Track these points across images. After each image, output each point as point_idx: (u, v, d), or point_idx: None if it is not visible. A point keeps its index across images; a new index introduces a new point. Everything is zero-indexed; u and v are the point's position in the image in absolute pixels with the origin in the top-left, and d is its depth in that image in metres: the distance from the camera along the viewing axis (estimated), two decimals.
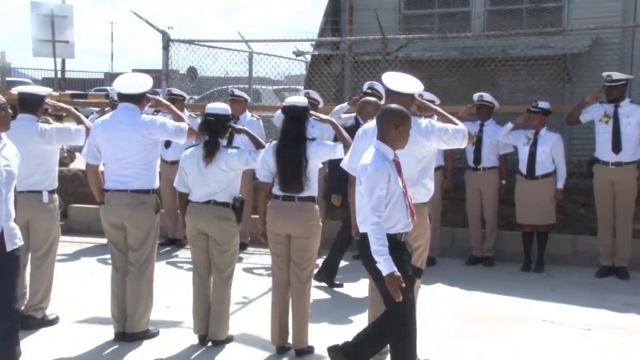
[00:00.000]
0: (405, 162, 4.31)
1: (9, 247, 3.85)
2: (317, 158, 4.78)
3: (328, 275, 6.60)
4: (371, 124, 4.54)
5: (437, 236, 7.33)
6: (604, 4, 8.49)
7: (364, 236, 3.93)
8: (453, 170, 7.73)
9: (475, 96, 7.54)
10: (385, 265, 3.70)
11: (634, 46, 8.45)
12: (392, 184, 3.86)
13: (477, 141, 7.43)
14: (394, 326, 3.95)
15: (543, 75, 8.45)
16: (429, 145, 4.34)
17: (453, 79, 8.60)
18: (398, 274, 3.67)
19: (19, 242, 3.92)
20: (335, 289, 6.53)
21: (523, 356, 4.84)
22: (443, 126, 4.34)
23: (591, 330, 5.39)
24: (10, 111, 3.97)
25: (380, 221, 3.78)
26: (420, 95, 4.89)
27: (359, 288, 6.40)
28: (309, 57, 10.53)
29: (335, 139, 4.94)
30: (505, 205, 7.67)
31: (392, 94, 4.44)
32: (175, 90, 8.47)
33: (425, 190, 4.41)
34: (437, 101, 6.89)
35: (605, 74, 7.01)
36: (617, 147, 6.85)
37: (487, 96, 7.53)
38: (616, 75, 6.93)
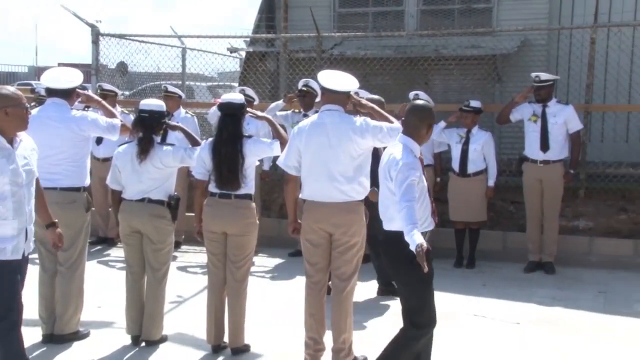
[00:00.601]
0: (341, 160, 4.37)
1: (28, 251, 3.88)
2: (253, 155, 4.77)
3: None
4: (306, 122, 4.57)
5: None
6: (531, 6, 8.79)
7: (391, 234, 3.91)
8: None
9: (411, 94, 7.64)
10: (417, 237, 3.57)
11: (559, 47, 8.78)
12: (421, 180, 3.85)
13: None
14: (416, 338, 3.94)
15: (474, 75, 8.66)
16: (364, 144, 4.38)
17: (387, 78, 8.72)
18: (426, 245, 3.56)
19: (32, 245, 3.95)
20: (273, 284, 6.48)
21: (456, 351, 4.96)
22: (378, 124, 4.39)
23: (520, 324, 5.57)
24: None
25: (413, 203, 3.69)
26: (356, 93, 4.94)
27: (295, 285, 6.42)
28: (243, 54, 10.48)
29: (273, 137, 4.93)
30: (438, 203, 7.80)
31: (328, 92, 4.47)
32: (107, 86, 8.29)
33: (361, 188, 4.45)
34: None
35: (533, 74, 7.24)
36: (545, 145, 7.08)
37: (422, 95, 7.62)
38: (544, 75, 7.17)
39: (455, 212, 7.40)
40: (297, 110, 7.68)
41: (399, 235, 3.75)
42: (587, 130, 7.72)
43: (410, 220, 3.64)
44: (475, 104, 7.42)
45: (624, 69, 8.43)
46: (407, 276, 3.87)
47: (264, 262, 7.42)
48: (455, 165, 7.40)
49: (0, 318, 3.71)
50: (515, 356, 4.90)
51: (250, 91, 7.85)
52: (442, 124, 7.44)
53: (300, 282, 6.04)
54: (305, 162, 4.47)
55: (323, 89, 4.49)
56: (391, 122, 4.43)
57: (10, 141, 3.80)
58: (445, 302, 6.13)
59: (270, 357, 4.83)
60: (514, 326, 5.52)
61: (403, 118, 4.01)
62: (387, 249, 3.98)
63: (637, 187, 7.72)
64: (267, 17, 10.07)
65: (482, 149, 7.26)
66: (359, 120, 4.39)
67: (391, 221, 3.91)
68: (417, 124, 3.95)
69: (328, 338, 4.58)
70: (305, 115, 7.42)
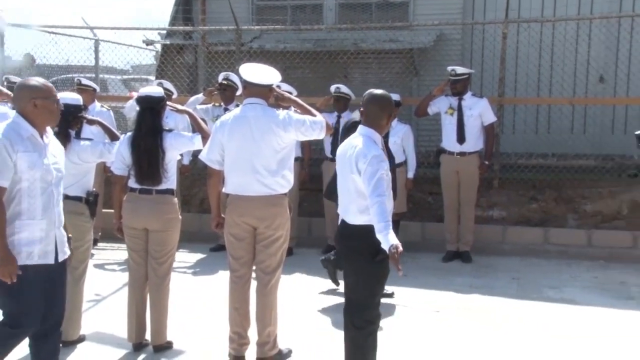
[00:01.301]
0: (264, 154, 4.37)
1: (61, 257, 3.69)
2: (174, 150, 4.71)
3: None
4: (229, 115, 4.55)
5: (295, 227, 7.43)
6: (446, 1, 9.01)
7: (354, 228, 3.83)
8: (310, 161, 7.89)
9: (333, 88, 7.71)
10: (391, 237, 3.51)
11: (473, 42, 9.06)
12: (387, 173, 3.78)
13: (334, 132, 7.62)
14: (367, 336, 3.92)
15: (392, 69, 8.82)
16: (287, 137, 4.39)
17: (307, 71, 8.77)
18: (399, 245, 3.49)
19: (68, 251, 3.76)
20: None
21: (380, 340, 5.05)
22: (301, 117, 4.42)
23: (440, 312, 5.73)
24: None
25: (384, 198, 3.64)
26: (278, 87, 4.95)
27: (218, 279, 6.39)
28: (159, 46, 10.30)
29: (194, 130, 4.89)
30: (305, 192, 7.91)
31: (249, 86, 4.45)
32: (15, 79, 7.98)
33: (284, 181, 4.47)
34: (295, 92, 6.99)
35: (449, 68, 7.44)
36: (461, 137, 7.29)
37: (344, 88, 7.71)
38: (460, 69, 7.38)
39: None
40: (217, 104, 7.62)
41: (363, 229, 3.74)
42: (500, 123, 8.02)
43: (383, 217, 3.57)
44: (394, 97, 7.49)
45: (533, 63, 8.79)
46: (365, 272, 3.83)
47: (185, 257, 7.34)
48: None
49: (15, 325, 3.58)
50: (436, 343, 5.05)
51: (168, 84, 7.73)
52: (357, 113, 7.51)
53: (223, 276, 6.03)
54: (228, 156, 4.45)
55: (245, 82, 4.47)
56: (314, 115, 4.47)
57: (41, 136, 3.64)
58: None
59: (193, 354, 4.80)
60: (435, 314, 5.68)
61: (361, 109, 3.92)
62: (349, 242, 3.91)
63: (547, 177, 8.07)
64: (184, 9, 9.93)
65: (401, 142, 7.39)
66: (282, 113, 4.40)
67: (355, 214, 3.84)
68: (377, 114, 3.86)
69: (252, 332, 4.59)
70: (226, 109, 7.38)
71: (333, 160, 7.66)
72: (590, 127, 8.68)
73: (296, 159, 7.54)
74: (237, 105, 7.03)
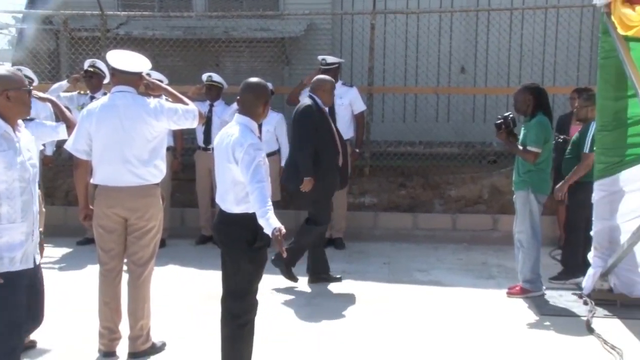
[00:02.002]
0: (135, 143, 4.28)
1: (37, 260, 3.44)
2: (37, 140, 4.48)
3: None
4: (96, 104, 4.42)
5: (167, 217, 7.32)
6: None
7: (232, 216, 3.81)
8: (182, 150, 7.79)
9: (205, 76, 7.63)
10: (273, 221, 3.54)
11: (343, 32, 9.24)
12: (264, 161, 3.76)
13: (207, 121, 7.57)
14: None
15: (264, 57, 8.85)
16: (159, 126, 4.32)
17: (178, 59, 8.63)
18: (282, 228, 3.52)
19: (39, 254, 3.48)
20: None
21: (259, 326, 5.09)
22: (173, 106, 4.36)
23: (316, 298, 5.85)
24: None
25: (264, 183, 3.64)
26: (149, 75, 4.85)
27: (86, 274, 6.19)
28: (14, 30, 9.76)
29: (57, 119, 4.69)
30: None
31: (118, 73, 4.35)
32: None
33: (157, 171, 4.40)
34: (165, 80, 6.87)
35: (320, 57, 7.56)
36: None
37: (216, 76, 7.66)
38: (330, 58, 7.52)
39: None
40: (83, 92, 7.34)
41: (241, 218, 3.77)
42: (369, 111, 8.26)
43: (264, 202, 3.59)
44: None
45: (400, 53, 9.10)
46: (244, 260, 3.84)
47: (50, 252, 7.03)
48: None
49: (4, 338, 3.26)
50: (313, 328, 5.15)
51: (28, 71, 7.36)
52: (235, 105, 7.50)
53: (91, 270, 5.85)
54: (96, 145, 4.31)
55: (113, 69, 4.36)
56: (186, 104, 4.42)
57: (13, 131, 3.32)
58: None
59: (59, 351, 4.62)
60: (311, 300, 5.79)
61: (238, 97, 3.93)
62: (227, 230, 3.89)
63: (415, 165, 8.41)
64: None
65: (274, 130, 7.45)
66: (154, 102, 4.33)
67: (232, 204, 3.83)
68: (253, 102, 3.87)
69: (124, 327, 4.50)
70: (93, 97, 7.13)
71: (206, 149, 7.65)
72: (453, 115, 9.11)
73: (168, 149, 7.45)
74: (105, 94, 6.87)
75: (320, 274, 6.24)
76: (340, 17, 9.08)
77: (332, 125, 6.16)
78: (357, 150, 7.68)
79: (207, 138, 7.62)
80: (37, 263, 3.49)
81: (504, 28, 8.70)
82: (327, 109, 6.22)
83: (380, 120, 9.02)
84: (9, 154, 3.30)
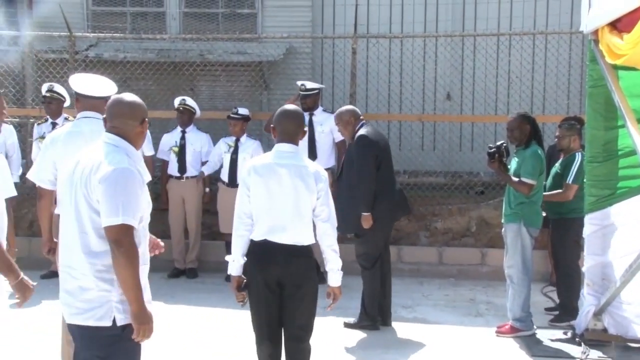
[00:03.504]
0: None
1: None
2: None
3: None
4: (60, 131, 4.38)
5: None
6: (295, 13, 9.15)
7: (299, 248, 3.93)
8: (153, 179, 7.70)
9: (177, 100, 7.60)
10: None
11: (324, 56, 9.27)
12: None
13: (180, 149, 7.53)
14: None
15: (242, 82, 8.84)
16: None
17: (150, 83, 8.56)
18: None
19: None
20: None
21: None
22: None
23: None
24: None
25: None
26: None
27: (45, 311, 6.04)
28: None
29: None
30: (208, 215, 7.85)
31: (82, 98, 4.33)
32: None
33: None
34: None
35: (299, 83, 7.56)
36: (312, 154, 7.38)
37: (190, 101, 7.63)
38: (309, 84, 7.52)
39: (225, 224, 7.45)
40: (40, 122, 7.31)
41: (310, 250, 3.99)
42: None
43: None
44: (243, 111, 7.56)
45: (383, 79, 9.13)
46: (314, 293, 4.01)
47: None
48: (224, 175, 7.47)
49: None
50: None
51: None
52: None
53: (50, 307, 5.73)
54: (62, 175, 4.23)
55: (78, 94, 4.33)
56: None
57: None
58: (214, 317, 6.19)
59: None
60: None
61: (272, 125, 4.06)
62: (300, 263, 3.97)
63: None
64: (8, 12, 9.38)
65: (251, 157, 7.40)
66: None
67: (304, 235, 3.94)
68: (296, 130, 4.02)
69: None
70: (54, 124, 7.06)
71: (179, 178, 7.57)
72: (439, 144, 9.14)
73: None
74: (67, 119, 6.80)
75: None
76: (321, 40, 9.12)
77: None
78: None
79: (182, 166, 7.56)
80: None
81: (491, 54, 8.77)
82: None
83: None
84: None
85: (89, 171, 3.11)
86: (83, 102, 4.33)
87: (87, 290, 3.12)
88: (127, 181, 3.08)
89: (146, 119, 3.30)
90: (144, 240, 3.24)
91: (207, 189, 7.73)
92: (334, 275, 3.99)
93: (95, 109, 4.28)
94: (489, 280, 7.41)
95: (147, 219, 3.27)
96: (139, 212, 3.13)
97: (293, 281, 3.90)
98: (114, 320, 3.10)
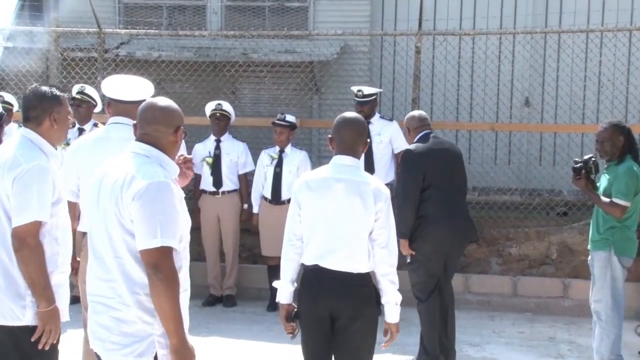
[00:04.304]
0: None
1: None
2: None
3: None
4: (88, 137, 4.49)
5: None
6: (351, 7, 9.19)
7: (356, 276, 3.90)
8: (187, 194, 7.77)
9: (211, 105, 7.64)
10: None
11: (383, 56, 9.26)
12: None
13: (215, 160, 7.57)
14: None
15: (289, 84, 8.88)
16: None
17: (187, 85, 8.68)
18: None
19: None
20: None
21: None
22: None
23: None
24: None
25: None
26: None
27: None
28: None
29: None
30: (247, 235, 7.88)
31: (114, 103, 4.40)
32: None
33: None
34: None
35: (355, 88, 7.49)
36: (370, 167, 7.31)
37: (226, 105, 7.65)
38: (367, 89, 7.46)
39: (267, 245, 7.47)
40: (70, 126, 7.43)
41: (369, 278, 3.92)
42: None
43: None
44: (290, 118, 7.57)
45: (451, 82, 9.08)
46: (374, 326, 3.98)
47: None
48: (267, 191, 7.49)
49: None
50: None
51: (9, 97, 7.47)
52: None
53: (74, 335, 5.79)
54: (85, 186, 4.30)
55: (109, 99, 4.38)
56: None
57: None
58: (257, 350, 6.19)
59: None
60: None
61: (330, 136, 4.04)
62: (360, 293, 3.95)
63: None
64: (31, 6, 9.65)
65: (297, 171, 7.40)
66: None
67: (363, 261, 3.88)
68: (357, 139, 3.97)
69: None
70: (81, 130, 7.19)
71: (214, 194, 7.61)
72: (515, 157, 9.04)
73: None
74: (96, 125, 6.92)
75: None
76: (380, 38, 9.12)
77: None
78: None
79: (217, 180, 7.58)
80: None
81: (578, 54, 8.62)
82: None
83: None
84: None
85: (120, 187, 3.10)
86: (115, 107, 4.41)
87: (126, 322, 3.10)
88: (164, 196, 3.06)
89: (181, 127, 3.30)
90: (185, 264, 3.22)
91: (245, 205, 7.74)
92: (391, 310, 3.91)
93: (128, 115, 4.33)
94: (571, 317, 7.24)
95: (187, 237, 3.25)
96: (179, 231, 3.12)
97: (347, 314, 3.85)
98: (155, 356, 3.08)
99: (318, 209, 3.87)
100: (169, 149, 3.26)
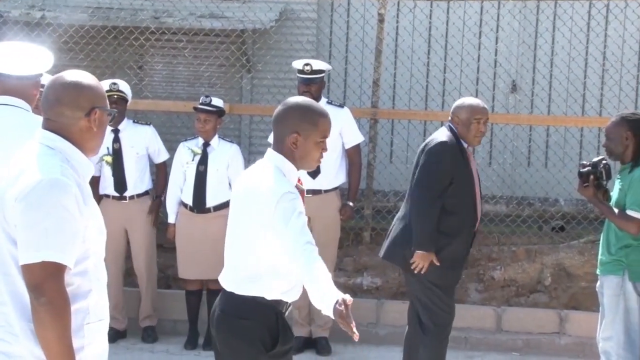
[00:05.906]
0: None
1: None
2: None
3: None
4: None
5: None
6: None
7: (237, 299, 3.91)
8: None
9: (106, 84, 7.53)
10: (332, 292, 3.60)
11: (334, 24, 9.23)
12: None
13: (116, 154, 7.48)
14: None
15: (214, 59, 8.81)
16: None
17: (80, 57, 8.53)
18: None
19: None
20: None
21: None
22: None
23: None
24: None
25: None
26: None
27: None
28: None
29: None
30: (160, 250, 7.80)
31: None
32: None
33: None
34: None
35: (300, 62, 7.44)
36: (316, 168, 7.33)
37: (123, 84, 7.50)
38: (317, 64, 7.43)
39: (186, 265, 7.44)
40: None
41: (256, 304, 3.88)
42: (373, 146, 8.23)
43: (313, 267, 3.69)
44: (217, 101, 7.53)
45: (421, 60, 9.12)
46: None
47: None
48: (188, 195, 7.44)
49: None
50: None
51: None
52: None
53: None
54: None
55: None
56: None
57: None
58: None
59: None
60: None
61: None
62: (236, 324, 3.96)
63: None
64: None
65: (227, 170, 7.33)
66: None
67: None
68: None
69: None
70: None
71: (120, 198, 7.55)
72: (498, 155, 9.11)
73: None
74: None
75: None
76: (331, 2, 9.12)
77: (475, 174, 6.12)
78: (351, 204, 7.60)
79: (120, 182, 7.51)
80: None
81: (580, 24, 8.76)
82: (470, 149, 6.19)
83: (387, 160, 9.01)
84: None
85: (5, 185, 3.09)
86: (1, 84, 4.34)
87: (13, 358, 3.08)
88: (56, 198, 3.02)
89: (97, 109, 3.24)
90: (97, 286, 3.20)
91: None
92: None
93: (16, 94, 4.30)
94: (569, 357, 7.40)
95: (101, 253, 3.25)
96: (76, 245, 3.08)
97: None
98: None
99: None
100: (81, 138, 3.22)
